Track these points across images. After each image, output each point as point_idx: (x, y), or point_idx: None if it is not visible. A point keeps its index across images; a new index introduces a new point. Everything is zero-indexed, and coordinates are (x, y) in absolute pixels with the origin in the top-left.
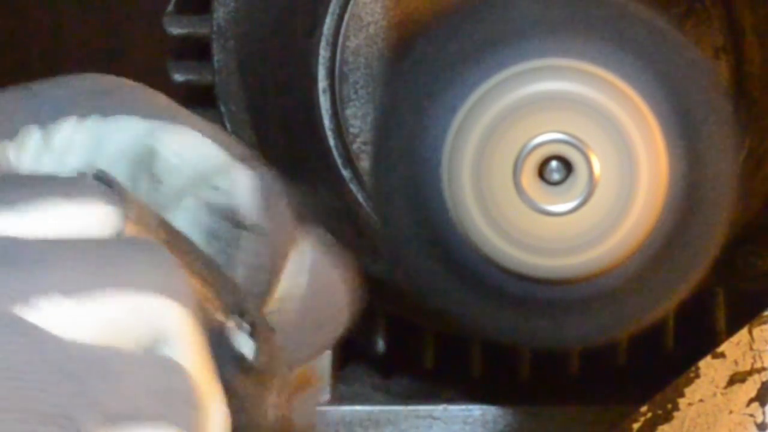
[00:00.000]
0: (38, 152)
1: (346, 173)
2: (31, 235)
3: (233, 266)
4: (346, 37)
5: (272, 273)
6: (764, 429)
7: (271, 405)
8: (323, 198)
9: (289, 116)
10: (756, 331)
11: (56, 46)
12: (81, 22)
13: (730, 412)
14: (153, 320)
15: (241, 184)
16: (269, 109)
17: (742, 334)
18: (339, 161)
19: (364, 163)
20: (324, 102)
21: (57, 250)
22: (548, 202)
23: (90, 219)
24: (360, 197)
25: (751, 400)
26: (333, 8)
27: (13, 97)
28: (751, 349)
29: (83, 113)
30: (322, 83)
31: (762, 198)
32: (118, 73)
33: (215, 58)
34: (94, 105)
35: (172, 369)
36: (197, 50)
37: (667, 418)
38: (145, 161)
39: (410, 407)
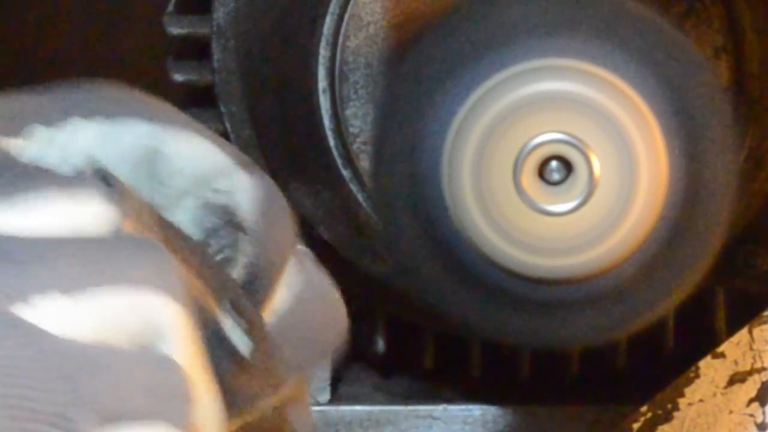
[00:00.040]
0: (42, 150)
1: (346, 173)
2: (28, 232)
3: (232, 267)
4: (346, 37)
5: (271, 277)
6: (764, 429)
7: (265, 400)
8: (323, 198)
9: (289, 116)
10: (756, 331)
11: (56, 46)
12: (81, 22)
13: (730, 412)
14: (149, 317)
15: (242, 186)
16: (269, 109)
17: (742, 334)
18: (339, 161)
19: (364, 163)
20: (324, 102)
21: (55, 248)
22: (548, 202)
23: (88, 216)
24: (360, 197)
25: (751, 400)
26: (333, 8)
27: (18, 98)
28: (751, 349)
29: (88, 114)
30: (322, 83)
31: (762, 198)
32: (118, 73)
33: (215, 58)
34: (99, 107)
35: (167, 366)
36: (197, 50)
37: (667, 418)
38: (148, 162)
39: (410, 407)
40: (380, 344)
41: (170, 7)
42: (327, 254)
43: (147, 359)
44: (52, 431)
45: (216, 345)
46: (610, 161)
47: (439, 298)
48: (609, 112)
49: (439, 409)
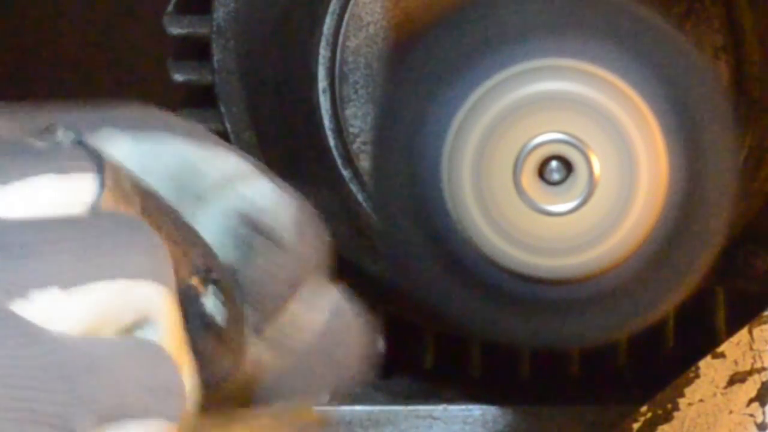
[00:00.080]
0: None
1: (346, 173)
2: (14, 213)
3: (251, 270)
4: (346, 37)
5: (289, 286)
6: (764, 429)
7: (231, 363)
8: (323, 198)
9: (289, 116)
10: (756, 331)
11: (56, 46)
12: (81, 22)
13: (730, 412)
14: (139, 304)
15: (277, 202)
16: (269, 109)
17: (742, 334)
18: (339, 161)
19: (364, 163)
20: (324, 102)
21: (44, 235)
22: (548, 202)
23: (71, 190)
24: (360, 197)
25: (751, 400)
26: (333, 8)
27: (47, 110)
28: (751, 349)
29: (131, 137)
30: (322, 83)
31: (762, 198)
32: (118, 73)
33: (215, 58)
34: (130, 123)
35: (161, 359)
36: (197, 50)
37: (667, 418)
38: (183, 178)
39: (410, 407)
40: (380, 344)
41: (170, 7)
42: None
43: (141, 352)
44: None
45: (193, 315)
46: (610, 161)
47: (438, 298)
48: (609, 112)
49: (439, 409)
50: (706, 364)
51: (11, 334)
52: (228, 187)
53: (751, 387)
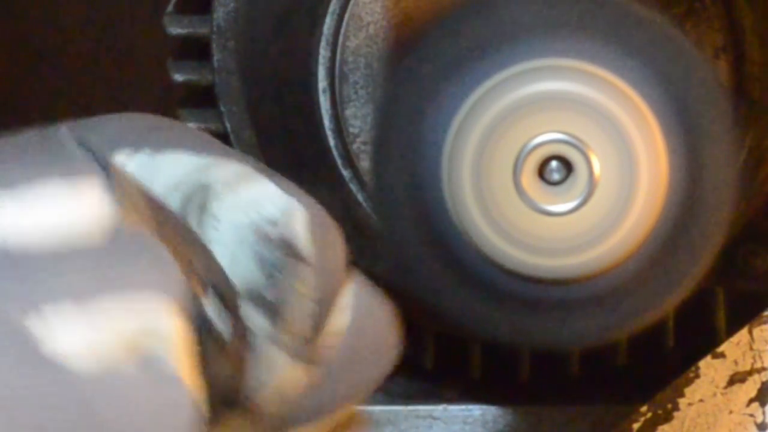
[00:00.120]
0: None
1: (346, 173)
2: (30, 227)
3: (287, 298)
4: (346, 37)
5: (327, 305)
6: (764, 429)
7: (232, 373)
8: (323, 198)
9: (289, 116)
10: (756, 331)
11: (56, 46)
12: (81, 22)
13: (730, 412)
14: (150, 319)
15: (298, 217)
16: (269, 109)
17: (742, 334)
18: (339, 161)
19: (364, 163)
20: (324, 102)
21: (57, 251)
22: (548, 202)
23: (85, 204)
24: (360, 197)
25: (751, 400)
26: (333, 8)
27: (55, 132)
28: (751, 349)
29: (135, 146)
30: (322, 83)
31: (762, 198)
32: (118, 73)
33: (215, 58)
34: (144, 140)
35: (169, 377)
36: (197, 50)
37: (667, 418)
38: (199, 196)
39: (410, 407)
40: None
41: (170, 7)
42: None
43: (153, 378)
44: None
45: (201, 330)
46: (610, 161)
47: (438, 298)
48: (609, 112)
49: (439, 409)
50: (706, 364)
51: (25, 354)
52: (236, 199)
53: (751, 387)
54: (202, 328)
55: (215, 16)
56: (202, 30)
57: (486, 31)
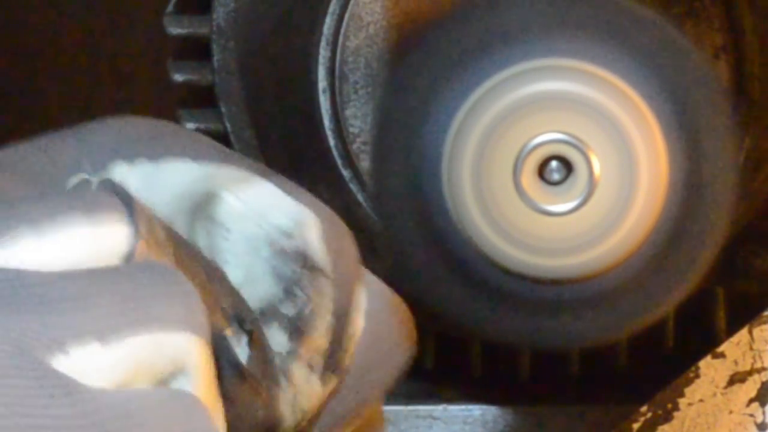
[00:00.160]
0: None
1: (346, 173)
2: (53, 263)
3: (306, 312)
4: (346, 37)
5: (344, 314)
6: (764, 429)
7: (261, 408)
8: (323, 198)
9: (289, 116)
10: (756, 331)
11: (56, 46)
12: (81, 23)
13: (730, 412)
14: (175, 355)
15: (310, 225)
16: (269, 109)
17: (742, 334)
18: (339, 161)
19: (364, 163)
20: (324, 102)
21: (82, 288)
22: (548, 202)
23: (107, 239)
24: (360, 197)
25: (751, 400)
26: (333, 8)
27: (55, 142)
28: (751, 349)
29: (130, 158)
30: (322, 83)
31: (762, 198)
32: (119, 73)
33: (215, 58)
34: (140, 149)
35: (194, 410)
36: (197, 50)
37: (667, 418)
38: (205, 207)
39: (410, 407)
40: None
41: (170, 7)
42: None
43: (176, 403)
44: None
45: (225, 363)
46: (610, 161)
47: (438, 298)
48: (609, 112)
49: (439, 409)
50: (706, 364)
51: (51, 392)
52: (244, 207)
53: (751, 387)
54: (231, 370)
55: (215, 16)
56: (202, 30)
57: (486, 31)
